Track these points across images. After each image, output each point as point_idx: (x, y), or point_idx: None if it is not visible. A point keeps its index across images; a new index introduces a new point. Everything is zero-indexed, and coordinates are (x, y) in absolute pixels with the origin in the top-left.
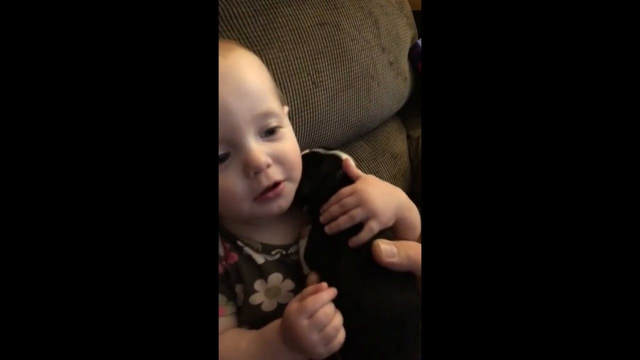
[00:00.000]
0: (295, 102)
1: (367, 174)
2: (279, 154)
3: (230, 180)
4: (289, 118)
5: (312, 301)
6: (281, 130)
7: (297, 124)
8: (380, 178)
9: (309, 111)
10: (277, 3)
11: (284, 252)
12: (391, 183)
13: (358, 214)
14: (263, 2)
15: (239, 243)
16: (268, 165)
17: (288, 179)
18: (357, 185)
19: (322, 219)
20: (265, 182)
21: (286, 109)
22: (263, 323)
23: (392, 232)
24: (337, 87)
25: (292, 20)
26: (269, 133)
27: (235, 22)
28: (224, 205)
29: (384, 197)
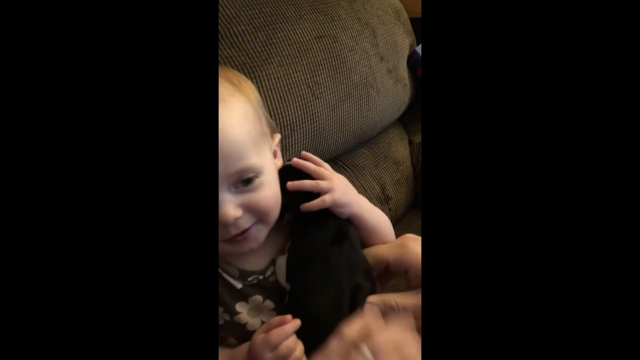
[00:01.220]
0: (296, 113)
1: (370, 181)
2: (251, 204)
3: None
4: (291, 129)
5: (275, 335)
6: (257, 180)
7: (299, 135)
8: (383, 184)
9: (309, 122)
10: (275, 20)
11: (261, 277)
12: (394, 189)
13: (323, 185)
14: (262, 19)
15: (218, 270)
16: (238, 218)
17: (259, 222)
18: (334, 173)
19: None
20: (234, 232)
21: (277, 138)
22: (249, 340)
23: (359, 233)
24: (336, 98)
25: (291, 35)
26: (245, 183)
27: (236, 39)
28: None
29: (346, 188)
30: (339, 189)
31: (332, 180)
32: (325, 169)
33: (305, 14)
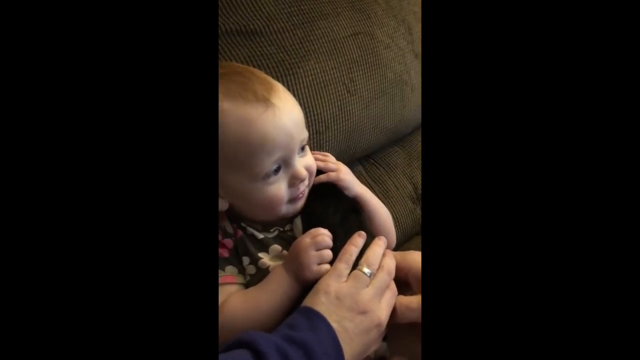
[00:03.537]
0: (331, 110)
1: (402, 179)
2: (308, 166)
3: (280, 189)
4: (325, 126)
5: (322, 239)
6: (307, 147)
7: (333, 132)
8: (415, 183)
9: (343, 119)
10: (313, 17)
11: (281, 229)
12: None
13: (330, 166)
14: (300, 17)
15: (243, 224)
16: (306, 176)
17: (308, 184)
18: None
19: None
20: (302, 189)
21: None
22: None
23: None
24: (371, 95)
25: (328, 32)
26: (302, 150)
27: (275, 37)
28: (267, 208)
29: (350, 174)
30: (344, 171)
31: (339, 164)
32: (331, 159)
33: (342, 11)
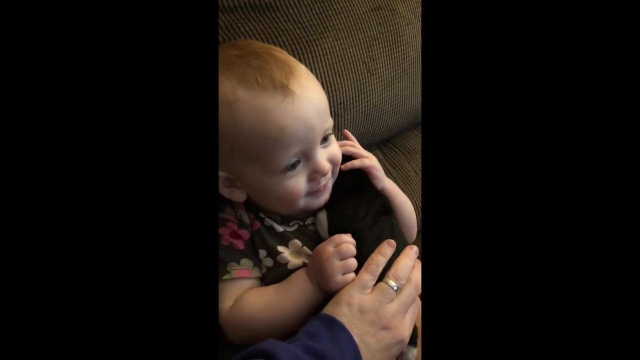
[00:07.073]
0: (350, 91)
1: (421, 164)
2: (332, 157)
3: (298, 183)
4: (344, 108)
5: (347, 247)
6: (331, 136)
7: (351, 114)
8: None
9: (363, 100)
10: None
11: (302, 223)
12: None
13: (363, 152)
14: None
15: (261, 215)
16: (329, 169)
17: (332, 175)
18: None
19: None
20: (323, 182)
21: None
22: None
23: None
24: (391, 74)
25: (347, 6)
26: (324, 140)
27: (291, 10)
28: (284, 203)
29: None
30: (375, 162)
31: (369, 153)
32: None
33: None
